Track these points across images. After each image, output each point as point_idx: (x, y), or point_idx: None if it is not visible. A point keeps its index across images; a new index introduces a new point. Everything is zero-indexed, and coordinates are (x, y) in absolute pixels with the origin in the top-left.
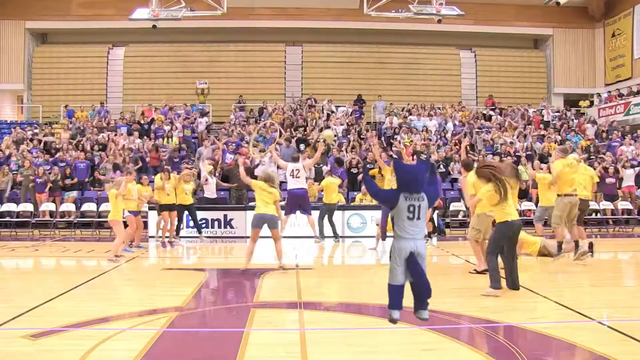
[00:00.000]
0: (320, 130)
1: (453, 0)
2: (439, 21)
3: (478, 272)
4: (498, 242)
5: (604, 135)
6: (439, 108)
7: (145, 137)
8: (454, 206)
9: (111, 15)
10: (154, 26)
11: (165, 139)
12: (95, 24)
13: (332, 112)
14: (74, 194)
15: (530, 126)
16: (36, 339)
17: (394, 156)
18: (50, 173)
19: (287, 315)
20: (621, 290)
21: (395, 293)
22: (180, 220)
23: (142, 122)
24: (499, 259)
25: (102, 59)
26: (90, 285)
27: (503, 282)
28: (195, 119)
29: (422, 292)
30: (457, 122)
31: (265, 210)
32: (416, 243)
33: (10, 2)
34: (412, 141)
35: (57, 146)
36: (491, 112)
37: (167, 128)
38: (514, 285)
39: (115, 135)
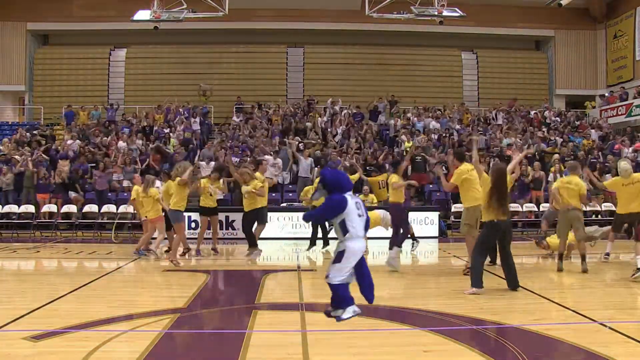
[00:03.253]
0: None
1: (454, 2)
2: (441, 22)
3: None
4: (485, 243)
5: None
6: (439, 110)
7: (147, 139)
8: (455, 208)
9: (113, 17)
10: (156, 28)
11: (165, 141)
12: (96, 26)
13: (336, 113)
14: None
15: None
16: (37, 340)
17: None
18: (53, 173)
19: (288, 317)
20: (622, 292)
21: (347, 291)
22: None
23: (144, 124)
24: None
25: (104, 60)
26: (92, 286)
27: (494, 282)
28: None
29: (370, 290)
30: (459, 125)
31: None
32: (364, 242)
33: (12, 4)
34: (412, 145)
35: (59, 148)
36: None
37: (167, 130)
38: (513, 284)
39: (117, 136)
